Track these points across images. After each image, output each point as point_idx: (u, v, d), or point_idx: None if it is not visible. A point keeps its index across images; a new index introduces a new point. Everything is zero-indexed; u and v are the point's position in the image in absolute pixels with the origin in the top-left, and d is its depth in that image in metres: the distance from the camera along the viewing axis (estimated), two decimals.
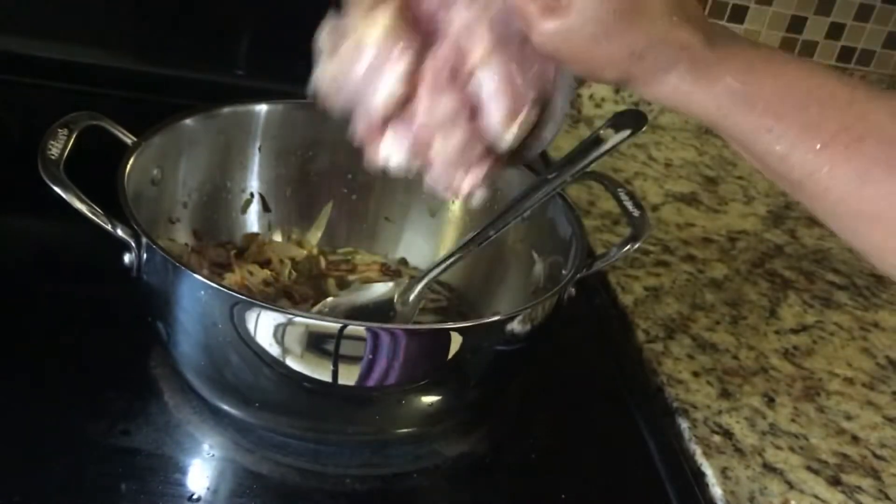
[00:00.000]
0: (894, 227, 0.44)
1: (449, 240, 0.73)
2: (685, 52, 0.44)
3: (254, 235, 0.71)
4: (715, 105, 0.45)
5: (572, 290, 0.58)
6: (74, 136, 0.55)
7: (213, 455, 0.54)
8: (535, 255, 0.66)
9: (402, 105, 0.46)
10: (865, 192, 0.44)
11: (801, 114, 0.44)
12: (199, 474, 0.53)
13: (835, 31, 1.18)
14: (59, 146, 0.53)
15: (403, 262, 0.74)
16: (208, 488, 0.52)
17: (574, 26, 0.43)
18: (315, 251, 0.72)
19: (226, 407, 0.55)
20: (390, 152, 0.47)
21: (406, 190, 0.74)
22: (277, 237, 0.72)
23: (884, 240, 0.45)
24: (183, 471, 0.52)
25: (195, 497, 0.51)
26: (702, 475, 0.62)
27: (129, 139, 0.59)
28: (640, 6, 0.44)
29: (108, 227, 0.51)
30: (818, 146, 0.44)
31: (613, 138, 0.57)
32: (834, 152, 0.43)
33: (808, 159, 0.44)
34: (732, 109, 0.45)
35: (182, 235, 0.66)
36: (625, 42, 0.44)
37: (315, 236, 0.73)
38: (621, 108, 1.20)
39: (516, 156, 0.50)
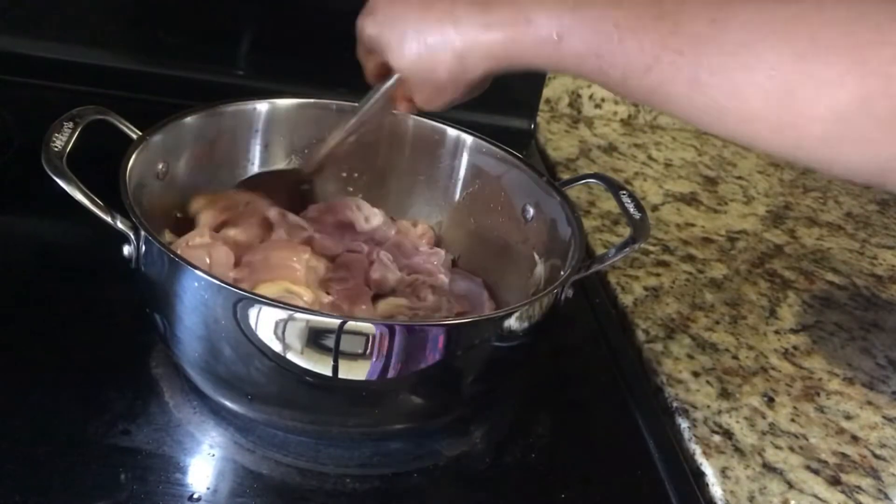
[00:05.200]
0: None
1: (449, 239, 0.73)
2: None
3: None
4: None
5: (570, 291, 0.58)
6: (80, 129, 0.55)
7: (214, 455, 0.54)
8: (537, 257, 0.66)
9: None
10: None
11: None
12: (200, 474, 0.53)
13: None
14: (63, 139, 0.53)
15: None
16: (209, 488, 0.52)
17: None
18: None
19: (225, 401, 0.55)
20: None
21: (408, 189, 0.74)
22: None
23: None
24: (183, 470, 0.52)
25: (196, 497, 0.51)
26: (702, 475, 0.62)
27: (135, 134, 0.59)
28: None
29: (108, 218, 0.51)
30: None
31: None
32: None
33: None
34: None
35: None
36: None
37: None
38: (621, 108, 1.21)
39: None
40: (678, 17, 0.47)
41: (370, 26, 0.60)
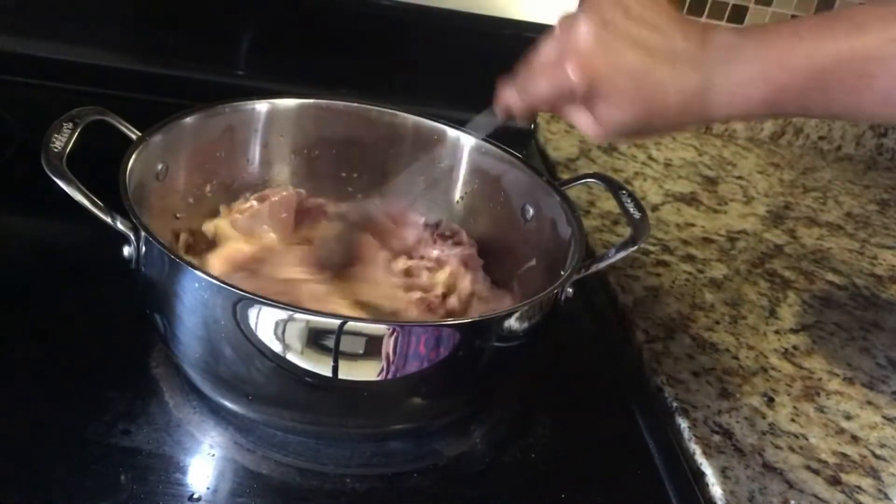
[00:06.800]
0: None
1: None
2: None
3: None
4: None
5: (569, 291, 0.58)
6: (79, 130, 0.55)
7: (214, 454, 0.54)
8: (537, 257, 0.66)
9: None
10: None
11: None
12: (200, 474, 0.53)
13: None
14: (62, 139, 0.53)
15: None
16: (209, 488, 0.52)
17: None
18: None
19: (225, 402, 0.55)
20: None
21: (408, 189, 0.74)
22: None
23: None
24: (183, 470, 0.52)
25: (196, 496, 0.51)
26: (702, 475, 0.62)
27: (135, 135, 0.59)
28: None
29: (108, 219, 0.51)
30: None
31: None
32: None
33: None
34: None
35: (186, 231, 0.66)
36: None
37: None
38: None
39: None
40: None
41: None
